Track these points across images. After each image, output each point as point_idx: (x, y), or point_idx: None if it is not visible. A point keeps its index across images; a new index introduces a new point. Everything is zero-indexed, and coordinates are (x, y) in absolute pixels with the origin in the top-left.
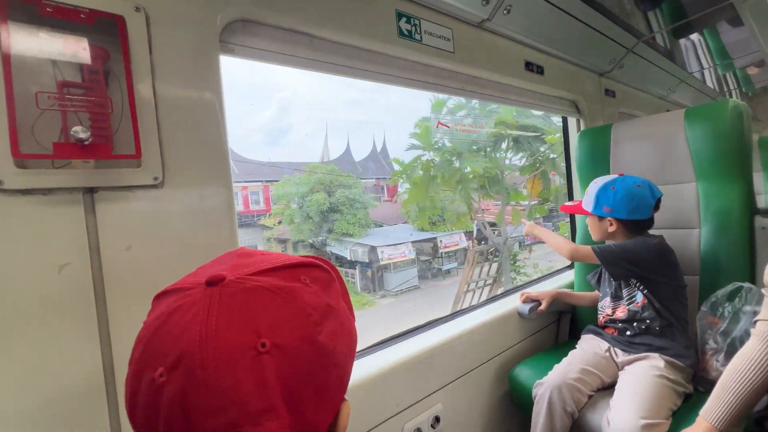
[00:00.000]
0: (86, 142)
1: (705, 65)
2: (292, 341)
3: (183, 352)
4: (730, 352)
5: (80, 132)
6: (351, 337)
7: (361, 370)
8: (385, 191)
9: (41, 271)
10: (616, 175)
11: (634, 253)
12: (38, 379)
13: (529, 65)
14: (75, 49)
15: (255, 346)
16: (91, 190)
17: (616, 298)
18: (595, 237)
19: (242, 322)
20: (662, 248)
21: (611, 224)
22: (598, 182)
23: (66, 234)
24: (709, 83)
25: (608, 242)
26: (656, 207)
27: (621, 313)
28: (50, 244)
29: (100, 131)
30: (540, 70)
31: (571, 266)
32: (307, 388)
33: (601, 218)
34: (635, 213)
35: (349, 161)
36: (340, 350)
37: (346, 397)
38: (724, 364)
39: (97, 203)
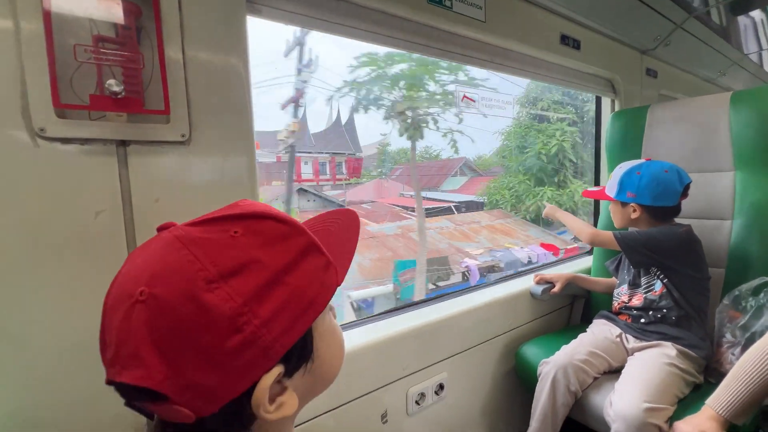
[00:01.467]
0: (119, 96)
1: (765, 46)
2: (169, 294)
3: (108, 290)
4: (748, 346)
5: (114, 85)
6: (304, 305)
7: (371, 333)
8: (344, 168)
9: (80, 215)
10: (642, 160)
11: (658, 241)
12: (73, 316)
13: (565, 39)
14: (109, 4)
15: (134, 293)
16: (124, 143)
17: (634, 285)
18: (617, 224)
19: (137, 270)
20: (689, 238)
21: (634, 210)
22: (624, 167)
23: (102, 183)
24: (766, 66)
25: (631, 229)
26: (684, 194)
27: (637, 301)
28: (88, 191)
29: (132, 86)
30: (576, 45)
31: (589, 252)
32: (184, 348)
33: (624, 204)
34: (660, 199)
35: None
36: (262, 316)
37: (281, 370)
38: (740, 358)
39: (130, 156)
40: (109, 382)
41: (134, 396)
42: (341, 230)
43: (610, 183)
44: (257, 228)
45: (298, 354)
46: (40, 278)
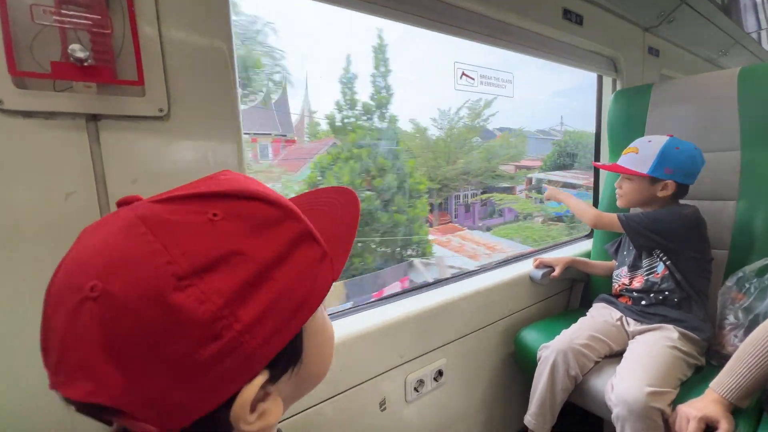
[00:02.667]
0: (86, 63)
1: (764, 25)
2: (128, 292)
3: (51, 277)
4: (751, 328)
5: (78, 51)
6: (294, 305)
7: (367, 320)
8: (270, 151)
9: (48, 197)
10: (665, 136)
11: (665, 223)
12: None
13: (567, 13)
14: None
15: (84, 288)
16: (94, 117)
17: (635, 267)
18: (630, 203)
19: (88, 256)
20: (696, 219)
21: (664, 188)
22: (656, 141)
23: (71, 161)
24: (765, 45)
25: (633, 210)
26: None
27: (638, 283)
28: (56, 170)
29: (100, 54)
30: (579, 20)
31: (589, 235)
32: (146, 357)
33: (654, 181)
34: (689, 177)
35: None
36: (245, 319)
37: (265, 376)
38: (742, 340)
39: (101, 132)
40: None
41: (85, 410)
42: (337, 212)
43: (640, 158)
44: (241, 211)
45: (286, 359)
46: (3, 266)
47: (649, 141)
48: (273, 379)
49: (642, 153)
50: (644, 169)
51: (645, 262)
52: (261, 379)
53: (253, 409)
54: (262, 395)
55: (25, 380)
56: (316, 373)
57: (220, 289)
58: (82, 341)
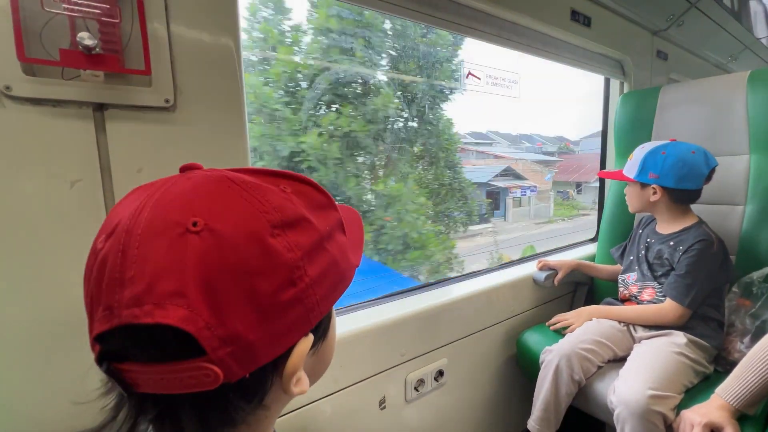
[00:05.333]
0: (94, 52)
1: None
2: (232, 230)
3: (120, 221)
4: (758, 334)
5: (86, 39)
6: (338, 277)
7: (368, 318)
8: None
9: (53, 184)
10: (667, 141)
11: (705, 272)
12: (45, 294)
13: (575, 15)
14: None
15: (185, 223)
16: (101, 107)
17: (647, 279)
18: (633, 208)
19: (184, 201)
20: (722, 256)
21: (654, 193)
22: (647, 147)
23: (77, 149)
24: None
25: (640, 215)
26: (709, 178)
27: (648, 296)
28: (62, 157)
29: (108, 43)
30: (587, 22)
31: (594, 239)
32: (236, 292)
33: (644, 186)
34: (684, 182)
35: None
36: (311, 275)
37: (313, 336)
38: (749, 347)
39: (108, 121)
40: (105, 332)
41: (153, 348)
42: (345, 220)
43: (631, 164)
44: (302, 190)
45: (322, 328)
46: (9, 253)
47: (642, 147)
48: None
49: (634, 158)
50: (632, 174)
51: (661, 279)
52: (311, 337)
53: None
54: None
55: (32, 368)
56: (329, 356)
57: (300, 243)
58: (181, 270)
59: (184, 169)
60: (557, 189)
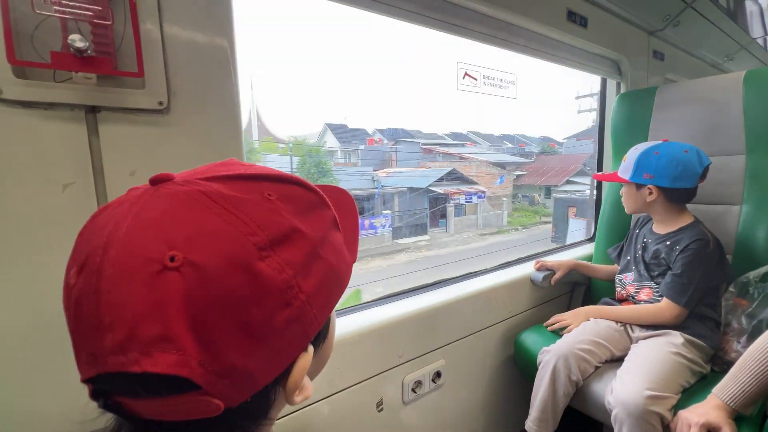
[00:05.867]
0: (85, 54)
1: None
2: (215, 262)
3: (89, 254)
4: (754, 334)
5: (78, 41)
6: (336, 282)
7: (365, 320)
8: None
9: (45, 188)
10: (659, 141)
11: (701, 272)
12: (38, 296)
13: (571, 15)
14: None
15: (162, 258)
16: (93, 109)
17: (643, 279)
18: (629, 209)
19: (157, 229)
20: (719, 255)
21: (651, 193)
22: (640, 148)
23: (70, 152)
24: None
25: (636, 215)
26: (703, 176)
27: (646, 296)
28: (54, 161)
29: (101, 45)
30: (583, 22)
31: (591, 239)
32: (227, 325)
33: (639, 187)
34: (679, 181)
35: None
36: (306, 291)
37: (312, 346)
38: (746, 346)
39: (100, 123)
40: (94, 378)
41: (146, 390)
42: (336, 208)
43: (625, 165)
44: (288, 192)
45: (323, 334)
46: (1, 257)
47: (636, 148)
48: None
49: (628, 160)
50: (627, 175)
51: (657, 279)
52: (311, 349)
53: None
54: None
55: (25, 375)
56: (327, 356)
57: (291, 261)
58: (164, 312)
59: (154, 182)
60: (523, 193)
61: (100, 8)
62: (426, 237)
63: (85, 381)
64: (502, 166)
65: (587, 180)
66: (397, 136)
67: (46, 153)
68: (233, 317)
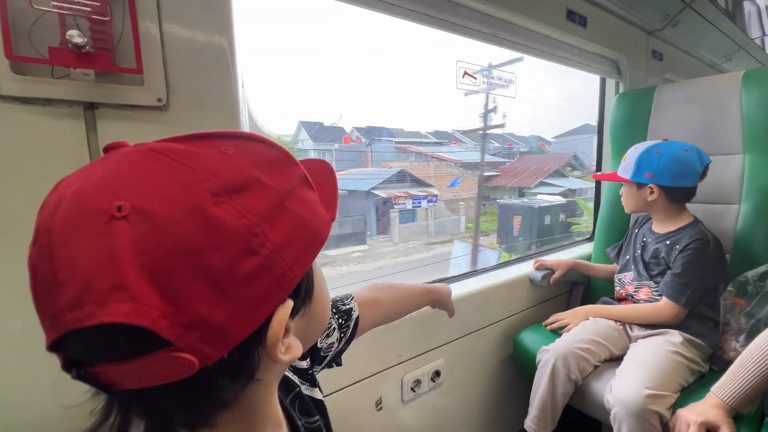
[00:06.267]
0: (84, 50)
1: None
2: (165, 208)
3: (41, 222)
4: (753, 333)
5: (76, 36)
6: (310, 237)
7: None
8: None
9: (42, 185)
10: (659, 140)
11: (700, 271)
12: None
13: (571, 14)
14: None
15: (109, 209)
16: (92, 106)
17: (642, 278)
18: (629, 208)
19: (105, 185)
20: (718, 255)
21: (652, 192)
22: (640, 147)
23: (68, 150)
24: None
25: (636, 215)
26: (703, 175)
27: (645, 295)
28: (52, 158)
29: (99, 41)
30: (583, 22)
31: (590, 238)
32: (187, 273)
33: (640, 186)
34: (680, 180)
35: None
36: (274, 240)
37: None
38: (744, 345)
39: (99, 120)
40: (58, 340)
41: (111, 349)
42: (316, 175)
43: (625, 164)
44: (249, 148)
45: (304, 292)
46: None
47: (635, 147)
48: (292, 313)
49: (628, 159)
50: (627, 175)
51: (657, 278)
52: (290, 303)
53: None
54: (284, 331)
55: (23, 374)
56: (321, 318)
57: (252, 208)
58: (115, 262)
59: (108, 149)
60: (493, 196)
61: (98, 4)
62: (364, 247)
63: (50, 348)
64: (475, 166)
65: (565, 182)
66: (374, 134)
67: (44, 149)
68: (192, 265)
